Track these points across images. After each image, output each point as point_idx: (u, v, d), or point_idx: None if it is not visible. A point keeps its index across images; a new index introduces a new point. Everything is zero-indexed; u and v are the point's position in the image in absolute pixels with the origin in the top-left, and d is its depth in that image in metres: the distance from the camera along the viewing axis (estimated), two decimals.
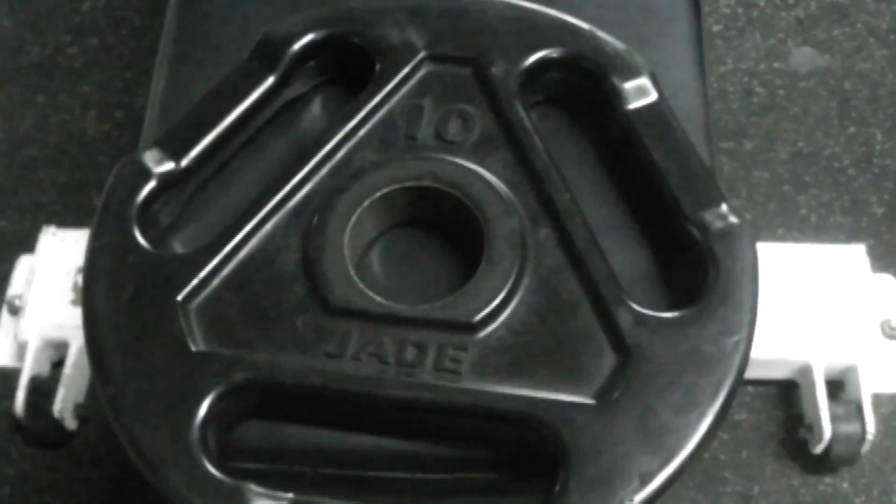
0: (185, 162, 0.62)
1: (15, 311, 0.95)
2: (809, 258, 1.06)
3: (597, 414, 0.54)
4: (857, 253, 1.06)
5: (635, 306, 0.57)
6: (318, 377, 0.56)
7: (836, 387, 1.03)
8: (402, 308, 0.58)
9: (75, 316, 0.85)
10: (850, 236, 1.12)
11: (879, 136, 1.18)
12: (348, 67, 0.67)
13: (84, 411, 0.92)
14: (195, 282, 0.59)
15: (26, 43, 1.26)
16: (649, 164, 0.61)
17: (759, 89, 1.21)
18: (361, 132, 0.63)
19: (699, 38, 0.73)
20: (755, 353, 1.03)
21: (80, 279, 0.94)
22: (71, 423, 0.91)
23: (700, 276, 0.58)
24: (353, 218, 0.60)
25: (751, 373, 1.03)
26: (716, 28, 1.25)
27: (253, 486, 0.53)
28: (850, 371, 1.03)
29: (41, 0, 1.29)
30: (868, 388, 1.01)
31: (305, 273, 0.60)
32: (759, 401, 1.08)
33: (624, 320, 0.56)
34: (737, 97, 1.21)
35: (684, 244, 0.59)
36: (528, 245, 0.59)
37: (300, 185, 0.61)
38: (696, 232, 0.59)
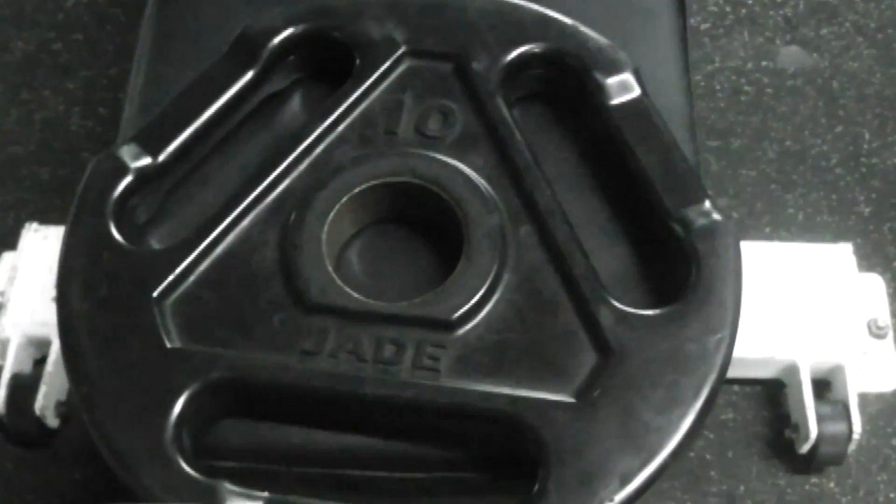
0: (162, 157, 0.61)
1: None
2: (796, 257, 1.05)
3: (577, 413, 0.53)
4: (844, 252, 1.05)
5: (617, 304, 0.56)
6: (295, 375, 0.55)
7: (823, 386, 1.03)
8: (380, 305, 0.57)
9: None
10: (838, 235, 1.11)
11: (867, 136, 1.18)
12: (328, 63, 0.66)
13: (66, 409, 0.91)
14: (171, 278, 0.58)
15: (10, 39, 1.25)
16: (632, 161, 0.61)
17: (746, 88, 1.21)
18: (340, 128, 0.62)
19: (683, 33, 0.73)
20: (742, 352, 1.03)
21: None
22: (53, 422, 0.90)
23: (682, 274, 0.57)
24: (332, 214, 0.60)
25: (737, 372, 1.03)
26: (704, 26, 1.24)
27: (228, 485, 0.52)
28: (836, 370, 1.02)
29: None
30: (855, 388, 1.01)
31: (282, 270, 0.59)
32: (746, 400, 1.07)
33: (605, 318, 0.56)
34: (724, 96, 1.20)
35: (667, 241, 0.59)
36: (509, 242, 0.58)
37: (278, 181, 0.61)
38: (678, 229, 0.58)
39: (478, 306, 0.57)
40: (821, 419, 0.99)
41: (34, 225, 1.00)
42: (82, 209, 0.60)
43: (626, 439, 0.52)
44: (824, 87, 1.20)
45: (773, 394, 1.06)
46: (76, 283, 0.58)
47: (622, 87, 0.62)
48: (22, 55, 1.23)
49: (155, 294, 0.57)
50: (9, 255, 0.99)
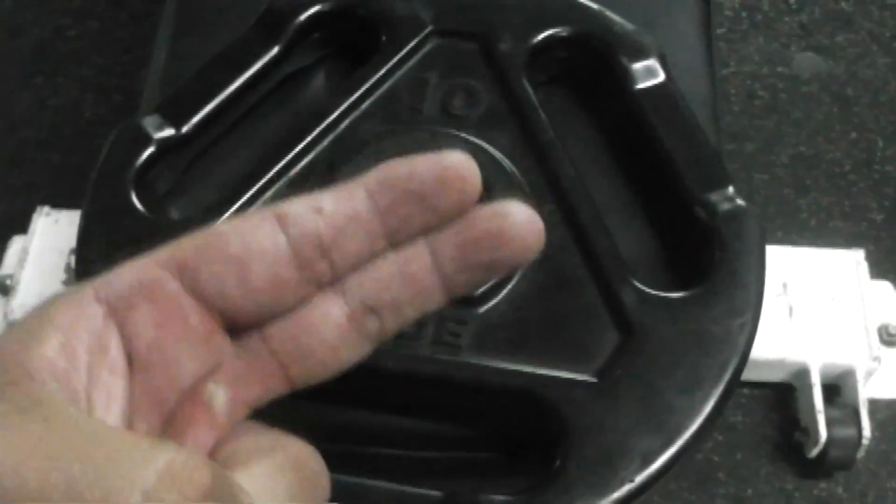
0: (185, 129, 0.60)
1: (6, 291, 0.94)
2: (808, 262, 1.05)
3: (598, 392, 0.53)
4: (856, 258, 1.05)
5: (639, 285, 0.56)
6: None
7: (833, 391, 1.03)
8: None
9: None
10: (850, 241, 1.11)
11: (881, 143, 1.18)
12: (353, 40, 0.66)
13: None
14: None
15: (26, 24, 1.25)
16: (656, 145, 0.60)
17: (761, 93, 1.21)
18: (365, 104, 0.62)
19: (708, 21, 0.72)
20: (753, 354, 1.02)
21: (73, 260, 0.93)
22: None
23: (706, 257, 0.57)
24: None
25: (748, 374, 1.03)
26: (719, 31, 1.24)
27: None
28: (847, 375, 1.02)
29: None
30: (865, 393, 1.01)
31: None
32: (755, 403, 1.07)
33: (628, 298, 0.55)
34: (739, 100, 1.20)
35: (690, 225, 0.59)
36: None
37: (301, 155, 0.60)
38: (702, 213, 0.58)
39: (500, 283, 0.56)
40: (830, 423, 0.98)
41: (45, 209, 1.00)
42: (103, 178, 0.59)
43: (648, 419, 0.51)
44: (839, 93, 1.20)
45: (782, 397, 1.05)
46: (95, 249, 0.57)
47: (647, 72, 0.62)
48: (37, 40, 1.23)
49: None
50: (19, 239, 0.99)
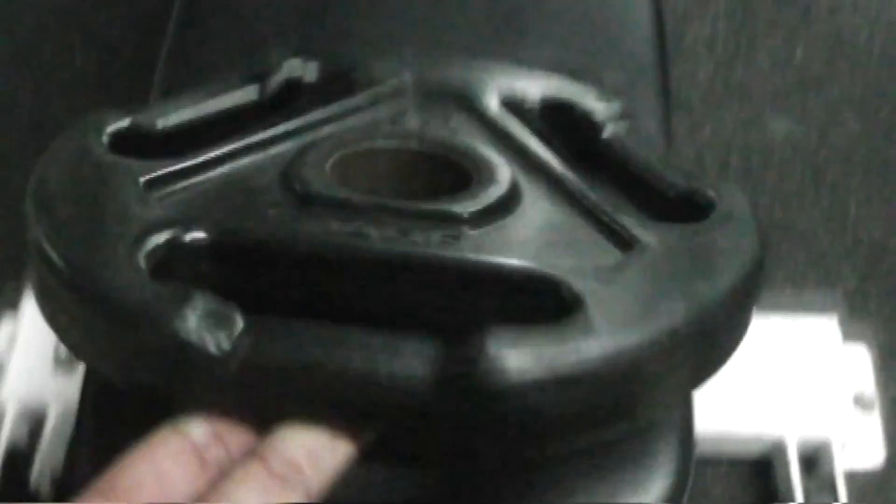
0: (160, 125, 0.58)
1: None
2: (781, 329, 1.04)
3: (617, 268, 0.49)
4: (829, 324, 1.04)
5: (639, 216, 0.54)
6: (290, 233, 0.50)
7: (810, 462, 1.00)
8: (388, 200, 0.52)
9: (56, 383, 0.88)
10: (824, 308, 1.10)
11: (853, 208, 1.18)
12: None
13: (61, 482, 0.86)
14: (160, 172, 0.53)
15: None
16: (635, 167, 0.60)
17: (734, 161, 1.21)
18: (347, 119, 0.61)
19: (665, 67, 0.76)
20: (727, 430, 1.02)
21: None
22: (46, 496, 0.86)
23: (700, 213, 0.55)
24: (335, 157, 0.57)
25: (723, 449, 1.00)
26: (693, 98, 1.25)
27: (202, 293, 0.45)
28: (823, 446, 1.00)
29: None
30: (841, 463, 0.98)
31: (283, 182, 0.55)
32: (734, 475, 1.03)
33: (628, 223, 0.53)
34: (713, 166, 1.20)
35: (680, 206, 0.57)
36: (522, 188, 0.56)
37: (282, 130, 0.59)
38: (690, 191, 0.57)
39: (494, 208, 0.54)
40: (808, 495, 0.96)
41: None
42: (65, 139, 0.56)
43: (671, 289, 0.49)
44: (811, 159, 1.20)
45: (761, 468, 1.02)
46: (53, 171, 0.54)
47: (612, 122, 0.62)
48: None
49: (141, 182, 0.52)
50: (9, 321, 0.96)
